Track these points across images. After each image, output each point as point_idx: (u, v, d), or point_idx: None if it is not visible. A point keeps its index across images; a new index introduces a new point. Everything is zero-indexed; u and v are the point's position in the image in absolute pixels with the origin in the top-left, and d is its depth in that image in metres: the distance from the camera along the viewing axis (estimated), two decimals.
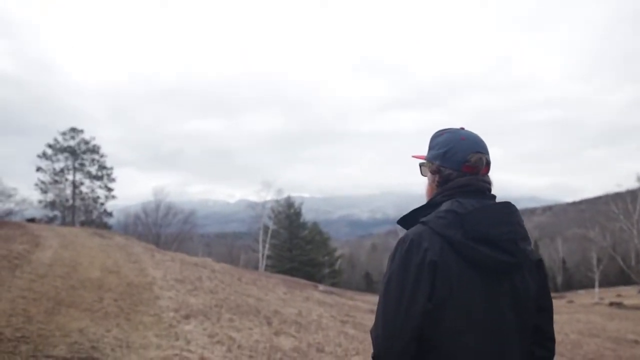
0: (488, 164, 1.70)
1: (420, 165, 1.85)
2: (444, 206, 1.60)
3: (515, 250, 1.55)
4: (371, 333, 1.57)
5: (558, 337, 19.66)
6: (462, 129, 1.77)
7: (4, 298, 7.52)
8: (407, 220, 1.73)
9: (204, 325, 8.08)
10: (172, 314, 8.53)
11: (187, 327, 7.71)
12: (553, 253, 70.64)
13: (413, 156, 1.89)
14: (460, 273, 1.50)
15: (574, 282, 65.95)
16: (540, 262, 1.68)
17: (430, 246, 1.51)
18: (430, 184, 1.79)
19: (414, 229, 1.59)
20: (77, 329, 6.47)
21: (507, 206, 1.62)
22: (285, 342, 7.97)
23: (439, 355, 1.50)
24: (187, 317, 8.44)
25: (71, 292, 9.08)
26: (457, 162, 1.67)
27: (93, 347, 5.80)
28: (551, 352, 1.72)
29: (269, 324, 9.36)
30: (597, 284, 50.40)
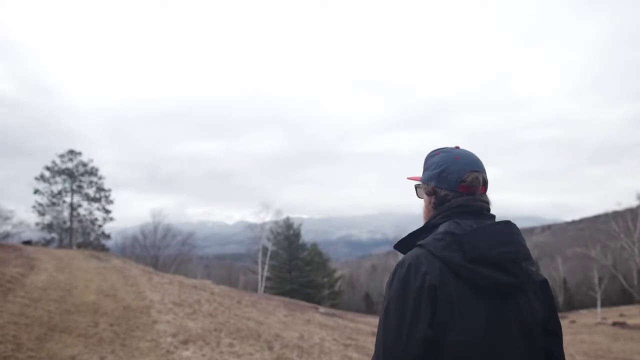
0: (485, 182, 1.65)
1: (416, 186, 1.79)
2: (442, 228, 1.54)
3: (517, 270, 1.48)
4: None
5: None
6: (457, 147, 1.72)
7: None
8: (404, 244, 1.67)
9: (203, 351, 7.75)
10: (169, 339, 8.20)
11: (186, 354, 7.38)
12: (553, 272, 70.11)
13: (408, 178, 1.83)
14: (461, 297, 1.43)
15: (575, 302, 65.38)
16: (545, 283, 1.61)
17: (429, 270, 1.44)
18: (426, 206, 1.73)
19: (411, 253, 1.52)
20: (70, 357, 6.16)
21: (507, 225, 1.55)
22: None
23: None
24: (185, 342, 8.11)
25: (65, 316, 8.76)
26: (453, 182, 1.62)
27: None
28: None
29: (270, 348, 9.03)
30: (599, 303, 49.88)
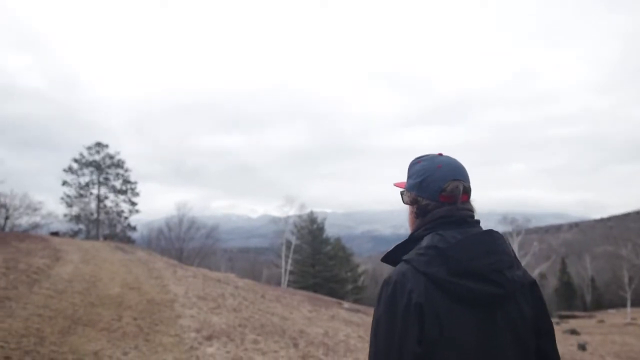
0: (466, 191, 1.62)
1: (401, 193, 1.76)
2: (425, 241, 1.53)
3: (503, 280, 1.46)
4: None
5: (593, 359, 18.79)
6: (440, 154, 1.69)
7: (19, 316, 7.13)
8: (390, 257, 1.65)
9: (227, 347, 7.57)
10: (193, 334, 8.05)
11: (210, 350, 7.21)
12: (581, 271, 68.82)
13: (394, 184, 1.81)
14: (449, 312, 1.43)
15: (604, 301, 64.10)
16: (534, 284, 1.59)
17: (414, 287, 1.43)
18: (410, 214, 1.71)
19: (397, 269, 1.51)
20: (92, 352, 6.02)
21: (490, 235, 1.54)
22: None
23: None
24: (209, 338, 7.94)
25: (89, 309, 8.68)
26: (434, 191, 1.60)
27: None
28: None
29: (296, 345, 8.81)
30: (629, 303, 48.74)
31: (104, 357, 5.90)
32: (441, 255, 1.46)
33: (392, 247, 1.67)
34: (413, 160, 1.74)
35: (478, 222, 1.62)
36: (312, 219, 55.77)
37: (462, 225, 1.56)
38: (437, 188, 1.60)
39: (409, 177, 1.72)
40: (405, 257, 1.53)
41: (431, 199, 1.61)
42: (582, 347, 23.06)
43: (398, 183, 1.80)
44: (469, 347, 1.42)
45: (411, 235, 1.64)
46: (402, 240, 1.67)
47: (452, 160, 1.67)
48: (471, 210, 1.63)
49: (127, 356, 6.17)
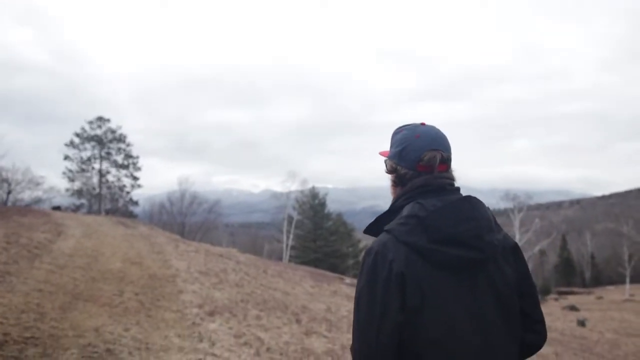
0: (444, 160, 1.63)
1: (385, 161, 1.78)
2: (405, 210, 1.56)
3: (482, 245, 1.49)
4: (350, 350, 1.53)
5: (593, 335, 18.88)
6: (423, 124, 1.71)
7: (19, 291, 7.05)
8: (373, 228, 1.68)
9: (230, 323, 7.51)
10: (195, 310, 7.99)
11: (212, 326, 7.14)
12: (581, 247, 69.10)
13: (379, 153, 1.82)
14: (431, 279, 1.46)
15: (603, 278, 64.52)
16: (515, 247, 1.63)
17: (395, 257, 1.46)
18: (391, 183, 1.74)
19: (378, 240, 1.54)
20: (93, 328, 5.94)
21: (469, 201, 1.56)
22: (318, 344, 7.35)
23: None
24: (211, 313, 7.88)
25: (90, 284, 8.61)
26: (412, 161, 1.63)
27: (108, 350, 5.25)
28: (541, 334, 1.68)
29: (298, 322, 8.77)
30: (628, 279, 48.98)
31: (105, 333, 5.83)
32: (421, 224, 1.48)
33: (374, 218, 1.69)
34: (396, 130, 1.76)
35: (458, 189, 1.65)
36: (313, 194, 55.73)
37: (442, 193, 1.58)
38: (414, 157, 1.62)
39: (390, 145, 1.74)
40: (386, 227, 1.56)
41: (409, 168, 1.64)
42: (582, 323, 23.19)
43: (383, 152, 1.81)
44: (452, 312, 1.46)
45: (392, 206, 1.67)
46: (383, 211, 1.69)
47: (433, 130, 1.68)
48: (450, 178, 1.65)
49: (128, 332, 6.10)
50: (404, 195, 1.63)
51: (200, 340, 6.30)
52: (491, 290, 1.51)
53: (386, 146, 1.80)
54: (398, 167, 1.67)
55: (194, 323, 7.14)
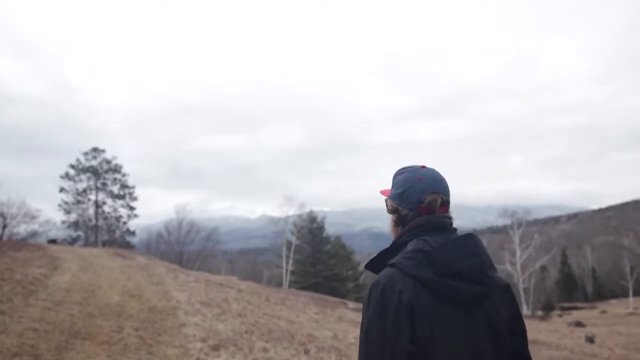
0: (444, 203, 1.71)
1: (385, 201, 1.83)
2: (410, 246, 1.61)
3: (485, 279, 1.57)
4: None
5: (603, 352, 18.47)
6: (424, 167, 1.79)
7: (12, 332, 6.70)
8: (375, 264, 1.72)
9: (236, 357, 7.16)
10: (199, 344, 7.63)
11: None
12: (582, 261, 68.68)
13: (380, 192, 1.89)
14: (438, 311, 1.50)
15: (606, 292, 63.92)
16: (508, 287, 1.72)
17: (403, 288, 1.50)
18: (391, 221, 1.80)
19: (384, 273, 1.58)
20: None
21: (472, 238, 1.65)
22: None
23: None
24: (216, 348, 7.53)
25: (88, 321, 8.25)
26: (413, 203, 1.69)
27: None
28: None
29: (307, 352, 8.40)
30: (631, 292, 48.54)
31: None
32: (427, 258, 1.53)
33: (376, 254, 1.74)
34: (397, 171, 1.83)
35: (456, 229, 1.71)
36: (311, 218, 55.34)
37: (443, 232, 1.65)
38: (416, 200, 1.69)
39: (392, 186, 1.81)
40: (391, 261, 1.60)
41: (410, 209, 1.70)
42: (590, 339, 22.74)
43: (383, 190, 1.87)
44: (456, 344, 1.50)
45: (395, 242, 1.72)
46: (384, 248, 1.74)
47: (433, 173, 1.75)
48: (450, 218, 1.72)
49: None
50: (407, 232, 1.69)
51: None
52: (488, 326, 1.58)
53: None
54: (399, 208, 1.73)
55: (198, 359, 6.78)
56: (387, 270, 1.58)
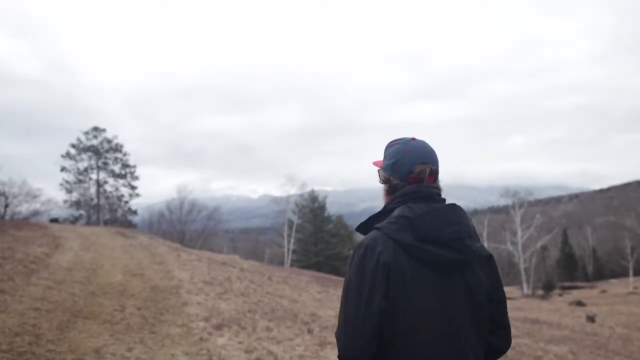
0: (433, 173, 1.80)
1: (378, 171, 1.93)
2: (396, 212, 1.71)
3: (462, 247, 1.66)
4: (336, 335, 1.68)
5: (604, 331, 18.48)
6: (414, 139, 1.87)
7: (14, 311, 6.62)
8: (364, 227, 1.83)
9: (239, 337, 7.08)
10: (202, 323, 7.56)
11: (221, 341, 6.71)
12: (582, 242, 68.63)
13: (373, 163, 1.97)
14: (413, 273, 1.61)
15: (606, 272, 64.03)
16: (490, 257, 1.79)
17: (383, 250, 1.62)
18: (383, 191, 1.88)
19: (369, 235, 1.71)
20: (93, 349, 5.51)
21: (453, 208, 1.74)
22: (333, 356, 6.91)
23: (398, 350, 1.61)
24: (219, 327, 7.46)
25: (90, 300, 8.18)
26: (403, 173, 1.79)
27: None
28: (507, 339, 1.83)
29: (310, 331, 8.34)
30: (631, 272, 48.65)
31: (106, 355, 5.40)
32: (409, 224, 1.64)
33: (366, 218, 1.84)
34: (389, 143, 1.91)
35: (444, 199, 1.80)
36: (313, 197, 55.34)
37: (430, 201, 1.74)
38: (406, 170, 1.78)
39: (384, 158, 1.90)
40: (377, 225, 1.72)
41: (401, 179, 1.79)
42: (591, 319, 22.75)
43: (376, 162, 1.96)
44: (428, 305, 1.61)
45: (384, 208, 1.83)
46: (374, 213, 1.85)
47: (423, 145, 1.84)
48: (438, 188, 1.81)
49: (131, 352, 5.67)
50: (396, 199, 1.78)
51: (210, 358, 5.87)
52: (465, 293, 1.67)
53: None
54: (391, 178, 1.83)
55: (201, 338, 6.71)
56: (372, 233, 1.71)
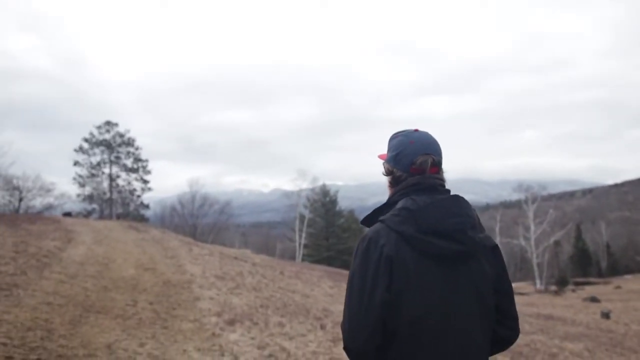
0: (435, 164, 1.79)
1: (383, 164, 1.93)
2: (399, 204, 1.71)
3: (464, 238, 1.65)
4: (341, 327, 1.69)
5: (619, 328, 18.23)
6: (416, 130, 1.87)
7: (26, 305, 6.60)
8: (369, 220, 1.84)
9: (252, 332, 7.01)
10: (214, 319, 7.50)
11: (233, 337, 6.65)
12: (596, 236, 67.95)
13: (378, 156, 1.97)
14: (416, 265, 1.61)
15: (620, 267, 63.32)
16: (495, 248, 1.78)
17: (386, 242, 1.63)
18: (388, 183, 1.89)
19: (372, 228, 1.72)
20: (105, 345, 5.47)
21: (456, 199, 1.74)
22: None
23: (402, 342, 1.61)
24: (231, 322, 7.40)
25: (102, 294, 8.17)
26: (406, 164, 1.79)
27: None
28: (514, 330, 1.82)
29: (323, 327, 8.26)
30: None
31: (118, 350, 5.35)
32: (412, 216, 1.64)
33: (371, 211, 1.85)
34: (392, 135, 1.92)
35: (448, 190, 1.79)
36: (324, 191, 55.28)
37: (433, 192, 1.73)
38: (408, 161, 1.78)
39: (387, 150, 1.90)
40: (381, 217, 1.73)
41: (403, 171, 1.79)
42: (606, 315, 22.48)
43: (381, 155, 1.95)
44: (431, 295, 1.61)
45: (388, 200, 1.82)
46: (378, 206, 1.86)
47: (426, 136, 1.84)
48: (441, 179, 1.81)
49: (143, 348, 5.62)
50: (399, 191, 1.78)
51: (222, 354, 5.80)
52: (470, 284, 1.66)
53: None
54: (394, 170, 1.83)
55: (213, 334, 6.65)
56: (375, 226, 1.71)
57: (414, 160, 1.77)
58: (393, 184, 1.84)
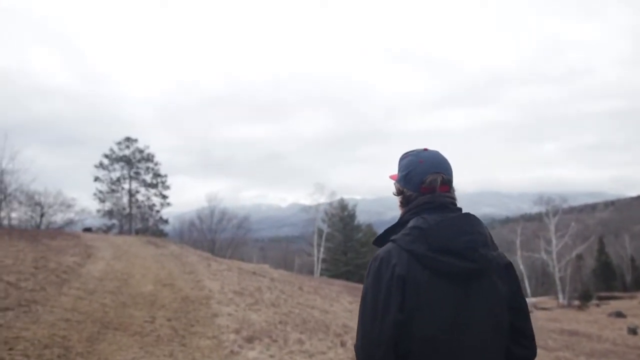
0: (445, 182, 1.80)
1: (394, 184, 1.95)
2: (410, 223, 1.72)
3: (476, 256, 1.64)
4: (354, 347, 1.70)
5: None
6: (425, 150, 1.89)
7: (44, 322, 6.58)
8: (380, 240, 1.83)
9: (271, 350, 6.90)
10: (232, 336, 7.40)
11: (252, 354, 6.54)
12: (620, 250, 66.58)
13: (389, 176, 1.99)
14: (428, 284, 1.61)
15: None
16: (509, 265, 1.77)
17: (398, 262, 1.63)
18: (399, 203, 1.90)
19: (384, 248, 1.72)
20: None
21: (467, 217, 1.74)
22: None
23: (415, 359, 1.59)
24: (250, 339, 7.29)
25: (120, 311, 8.12)
26: (416, 184, 1.80)
27: None
28: (531, 349, 1.79)
29: (343, 344, 8.11)
30: None
31: None
32: (423, 235, 1.65)
33: (383, 230, 1.85)
34: (402, 155, 1.93)
35: (460, 208, 1.80)
36: (342, 206, 55.11)
37: (444, 210, 1.75)
38: (418, 180, 1.80)
39: (398, 170, 1.92)
40: (392, 237, 1.73)
41: (413, 190, 1.81)
42: (633, 331, 21.89)
43: (392, 175, 1.97)
44: (444, 314, 1.60)
45: (399, 220, 1.83)
46: (390, 225, 1.86)
47: (435, 155, 1.85)
48: (452, 197, 1.82)
49: None
50: (410, 210, 1.79)
51: None
52: (482, 302, 1.65)
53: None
54: (404, 190, 1.85)
55: (232, 351, 6.55)
56: (387, 246, 1.71)
57: (423, 180, 1.78)
58: (404, 203, 1.86)
